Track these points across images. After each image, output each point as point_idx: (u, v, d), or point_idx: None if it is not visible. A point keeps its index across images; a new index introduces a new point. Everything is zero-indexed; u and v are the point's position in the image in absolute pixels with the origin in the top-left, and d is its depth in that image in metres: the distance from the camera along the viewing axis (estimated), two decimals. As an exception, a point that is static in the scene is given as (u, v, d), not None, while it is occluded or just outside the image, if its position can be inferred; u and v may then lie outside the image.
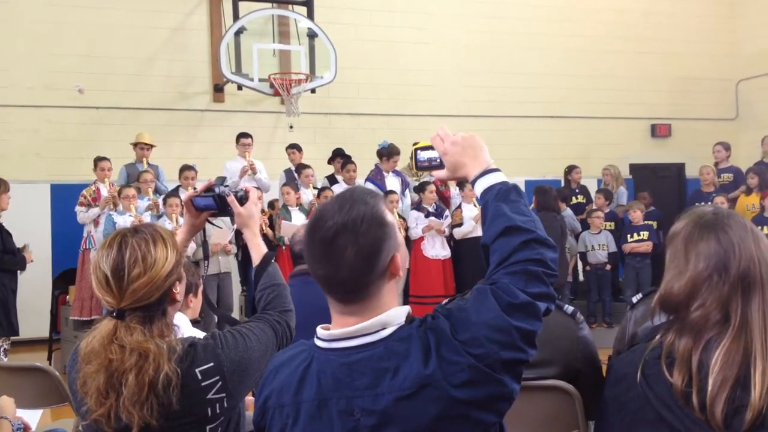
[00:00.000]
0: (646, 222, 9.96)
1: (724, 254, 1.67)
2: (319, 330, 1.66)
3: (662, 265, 1.81)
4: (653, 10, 12.70)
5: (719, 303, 1.65)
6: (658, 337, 1.74)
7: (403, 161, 9.86)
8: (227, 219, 7.45)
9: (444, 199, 9.83)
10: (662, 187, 12.15)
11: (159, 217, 8.34)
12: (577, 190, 10.78)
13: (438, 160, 1.86)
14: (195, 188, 3.26)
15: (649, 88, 12.63)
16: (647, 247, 9.63)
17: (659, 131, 12.94)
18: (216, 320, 7.62)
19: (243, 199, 2.41)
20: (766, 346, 1.59)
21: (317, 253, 1.59)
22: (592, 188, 11.09)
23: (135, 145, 9.34)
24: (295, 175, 9.66)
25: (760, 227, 8.65)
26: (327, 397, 1.58)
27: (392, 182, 9.65)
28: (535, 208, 8.75)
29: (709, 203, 8.64)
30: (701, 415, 1.58)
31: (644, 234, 9.71)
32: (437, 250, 9.29)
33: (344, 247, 1.56)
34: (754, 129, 11.96)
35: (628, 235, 9.80)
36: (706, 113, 12.93)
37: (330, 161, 10.28)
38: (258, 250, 2.40)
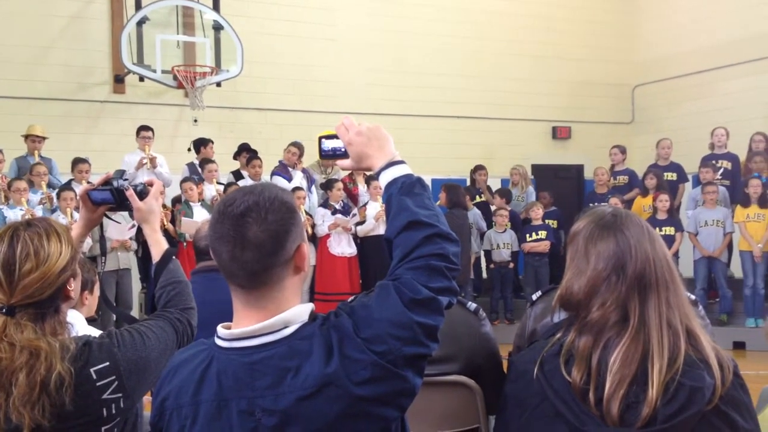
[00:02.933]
0: (545, 221, 10.25)
1: (622, 255, 1.71)
2: (220, 329, 1.62)
3: (561, 263, 1.85)
4: (554, 16, 13.06)
5: (618, 303, 1.69)
6: (558, 335, 1.77)
7: (310, 157, 9.82)
8: (127, 214, 7.24)
9: (352, 197, 9.85)
10: (562, 188, 12.52)
11: (53, 211, 8.04)
12: (480, 190, 11.01)
13: (342, 150, 1.84)
14: (89, 182, 3.14)
15: (549, 91, 12.99)
16: (545, 246, 9.91)
17: (559, 133, 13.33)
18: (114, 318, 7.40)
19: (143, 194, 2.34)
20: (662, 345, 1.64)
21: (224, 229, 1.55)
22: (496, 188, 11.32)
23: (26, 137, 8.98)
24: (199, 169, 9.49)
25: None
26: (227, 397, 1.55)
27: (298, 178, 9.60)
28: (445, 205, 8.91)
29: (605, 204, 8.96)
30: (596, 411, 1.62)
31: (542, 233, 10.00)
32: (343, 247, 9.30)
33: (252, 224, 1.54)
34: (648, 133, 12.49)
35: (527, 235, 10.07)
36: (603, 117, 13.40)
37: (236, 156, 10.14)
38: (158, 246, 2.33)
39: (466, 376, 2.63)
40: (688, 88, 12.58)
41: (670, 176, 10.31)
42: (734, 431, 1.60)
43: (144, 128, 9.30)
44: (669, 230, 9.31)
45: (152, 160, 9.07)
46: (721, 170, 9.97)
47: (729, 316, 9.55)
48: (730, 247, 9.66)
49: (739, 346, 9.10)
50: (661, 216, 9.41)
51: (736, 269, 9.81)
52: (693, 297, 2.73)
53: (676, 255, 9.36)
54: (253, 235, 1.53)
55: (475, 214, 10.21)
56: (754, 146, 9.86)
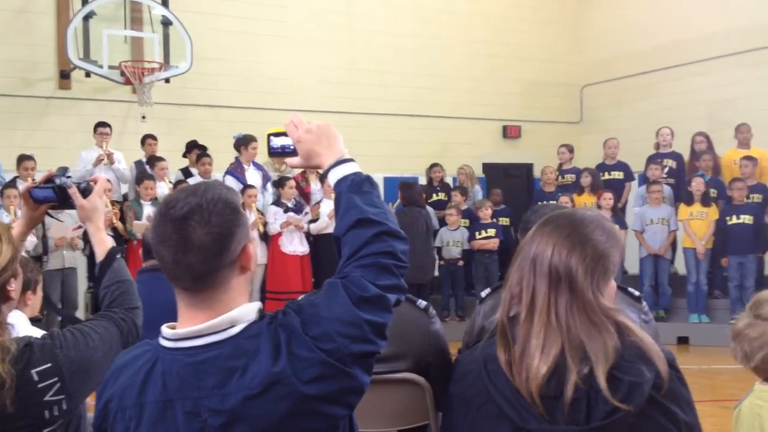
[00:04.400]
0: (496, 219, 10.36)
1: (545, 248, 1.73)
2: (164, 329, 1.60)
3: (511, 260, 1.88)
4: (504, 16, 13.17)
5: (519, 277, 1.73)
6: (494, 327, 1.80)
7: (262, 155, 9.75)
8: (75, 212, 7.12)
9: (304, 195, 9.81)
10: (512, 186, 12.66)
11: (-4, 209, 7.86)
12: (438, 188, 11.07)
13: (291, 148, 1.83)
14: (34, 179, 3.08)
15: (500, 90, 13.10)
16: (494, 243, 10.02)
17: (510, 132, 13.46)
18: (59, 318, 7.25)
19: (86, 191, 2.29)
20: (549, 322, 1.66)
21: (167, 232, 1.54)
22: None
23: (-34, 135, 8.78)
24: (147, 167, 9.38)
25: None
26: (172, 398, 1.53)
27: (253, 176, 9.54)
28: (400, 203, 8.96)
29: (554, 202, 9.08)
30: (522, 383, 1.64)
31: (492, 231, 10.11)
32: (295, 245, 9.26)
33: (195, 227, 1.52)
34: (596, 132, 12.69)
35: (477, 233, 10.17)
36: (553, 116, 13.57)
37: (185, 154, 10.03)
38: (102, 245, 2.29)
39: (416, 373, 2.65)
40: (635, 88, 12.82)
41: (617, 175, 10.50)
42: (674, 424, 1.63)
43: (101, 124, 9.24)
44: (615, 228, 9.47)
45: (109, 156, 8.99)
46: (666, 169, 10.19)
47: (672, 313, 9.78)
48: (674, 244, 9.88)
49: (683, 341, 9.33)
50: (606, 214, 9.57)
51: (681, 266, 10.04)
52: (637, 293, 2.79)
53: (621, 252, 9.52)
54: (197, 238, 1.52)
55: (430, 213, 10.30)
56: (695, 146, 10.10)
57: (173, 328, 1.59)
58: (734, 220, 9.16)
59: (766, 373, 2.22)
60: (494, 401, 1.69)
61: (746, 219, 9.10)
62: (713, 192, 9.60)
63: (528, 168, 13.41)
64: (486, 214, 10.22)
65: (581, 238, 1.73)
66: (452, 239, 10.18)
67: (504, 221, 10.61)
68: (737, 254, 9.13)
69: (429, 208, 10.37)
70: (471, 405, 1.75)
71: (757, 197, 9.38)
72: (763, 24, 11.06)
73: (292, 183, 9.43)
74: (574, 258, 1.71)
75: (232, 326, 1.55)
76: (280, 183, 9.43)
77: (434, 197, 10.86)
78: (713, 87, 11.65)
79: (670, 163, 10.27)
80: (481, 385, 1.72)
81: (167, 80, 10.27)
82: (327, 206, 9.31)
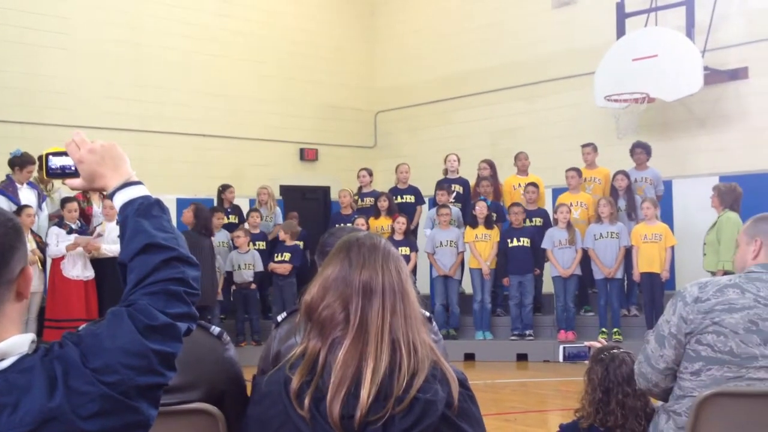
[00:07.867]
0: (294, 242, 10.36)
1: (350, 265, 1.79)
2: None
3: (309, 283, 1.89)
4: (299, 40, 13.28)
5: (342, 302, 1.75)
6: (298, 350, 1.79)
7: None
8: None
9: (85, 217, 9.29)
10: (309, 209, 12.76)
11: None
12: (229, 210, 10.87)
13: (72, 168, 1.72)
14: None
15: (297, 113, 13.19)
16: (285, 269, 10.00)
17: (307, 155, 13.58)
18: None
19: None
20: (380, 348, 1.70)
21: None
22: (245, 208, 11.25)
23: None
24: None
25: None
26: (-74, 443, 1.37)
27: (27, 195, 8.87)
28: (189, 224, 8.74)
29: (350, 225, 9.24)
30: (307, 413, 1.65)
31: (287, 255, 10.09)
32: (79, 270, 8.74)
33: None
34: (389, 157, 13.12)
35: (276, 255, 10.12)
36: (349, 140, 13.87)
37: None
38: None
39: (209, 402, 2.55)
40: (425, 116, 13.44)
41: (409, 198, 10.91)
42: (464, 441, 1.69)
43: None
44: (405, 250, 9.82)
45: None
46: (454, 194, 10.73)
47: (458, 330, 10.28)
48: (463, 264, 10.40)
49: (469, 357, 9.81)
50: (398, 237, 9.91)
51: (467, 286, 10.57)
52: (427, 314, 2.88)
53: (413, 273, 9.91)
54: None
55: (227, 235, 10.12)
56: (480, 172, 10.73)
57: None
58: (514, 242, 9.81)
59: None
60: (293, 422, 1.68)
61: (525, 241, 9.78)
62: (494, 215, 10.23)
63: (325, 191, 13.58)
64: (286, 236, 10.21)
65: (396, 258, 1.82)
66: (243, 262, 10.03)
67: (299, 243, 10.63)
68: (517, 274, 9.78)
69: (225, 231, 10.22)
70: (269, 427, 1.74)
71: (538, 221, 10.15)
72: (533, 60, 12.04)
73: (74, 205, 8.92)
74: (400, 276, 1.79)
75: (1, 360, 1.41)
76: (62, 204, 8.88)
77: (226, 220, 10.63)
78: (496, 117, 12.48)
79: (458, 188, 10.83)
80: (280, 407, 1.72)
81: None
82: (110, 230, 8.86)
